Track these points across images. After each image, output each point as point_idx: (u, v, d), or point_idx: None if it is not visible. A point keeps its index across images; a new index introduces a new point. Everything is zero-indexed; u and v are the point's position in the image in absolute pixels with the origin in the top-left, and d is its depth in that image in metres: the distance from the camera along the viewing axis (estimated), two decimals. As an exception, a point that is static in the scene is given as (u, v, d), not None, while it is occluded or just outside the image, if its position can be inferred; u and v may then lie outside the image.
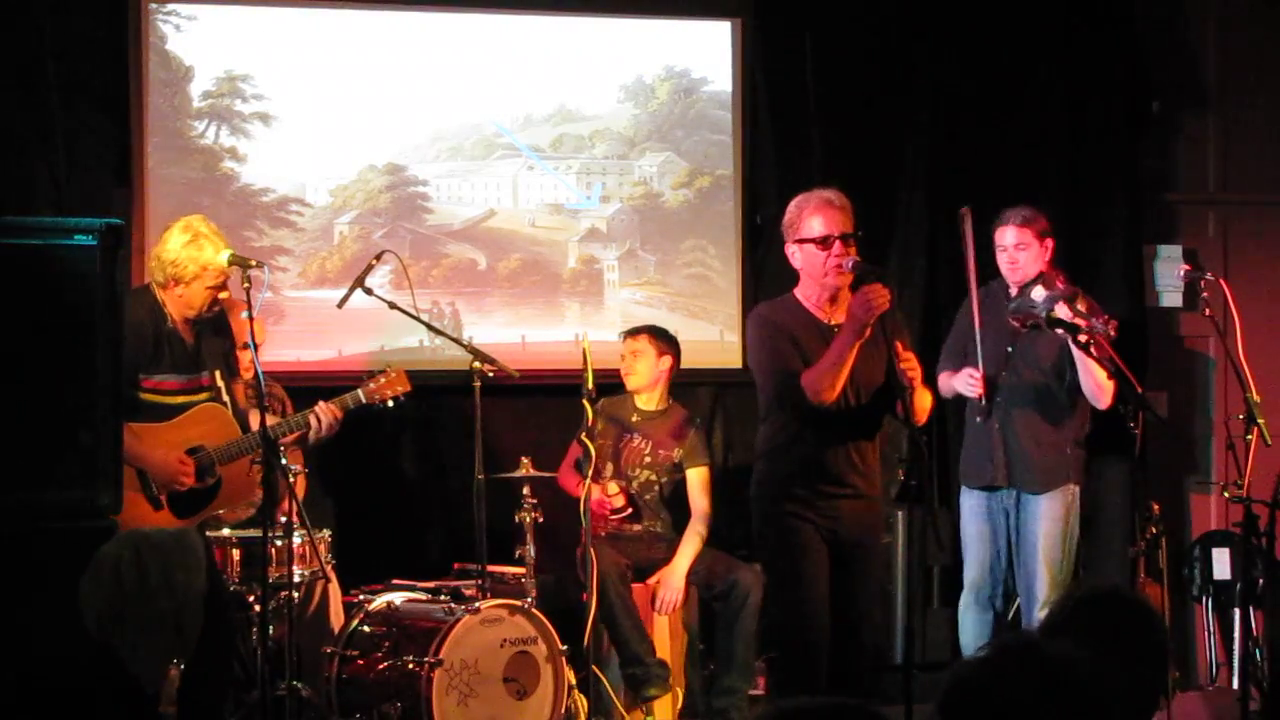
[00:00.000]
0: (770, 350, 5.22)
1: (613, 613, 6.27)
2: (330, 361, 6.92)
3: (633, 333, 6.72)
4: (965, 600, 6.14)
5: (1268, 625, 6.80)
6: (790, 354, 5.16)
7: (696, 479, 6.70)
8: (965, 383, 5.99)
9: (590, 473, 6.15)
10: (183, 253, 5.28)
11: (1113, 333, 5.64)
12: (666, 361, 6.69)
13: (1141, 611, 3.11)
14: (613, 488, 6.55)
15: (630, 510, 6.63)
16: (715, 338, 7.41)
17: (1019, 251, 6.00)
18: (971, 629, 6.08)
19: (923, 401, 5.11)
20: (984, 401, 5.97)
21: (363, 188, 7.11)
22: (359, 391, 5.79)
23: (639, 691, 6.31)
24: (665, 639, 6.49)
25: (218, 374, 5.45)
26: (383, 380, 5.81)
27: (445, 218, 7.23)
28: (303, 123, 7.02)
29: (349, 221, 7.10)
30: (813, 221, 5.15)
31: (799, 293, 5.29)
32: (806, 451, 5.16)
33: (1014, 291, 5.97)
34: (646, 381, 6.68)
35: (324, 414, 5.68)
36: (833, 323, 5.22)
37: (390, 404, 5.85)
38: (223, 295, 5.37)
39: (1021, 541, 5.99)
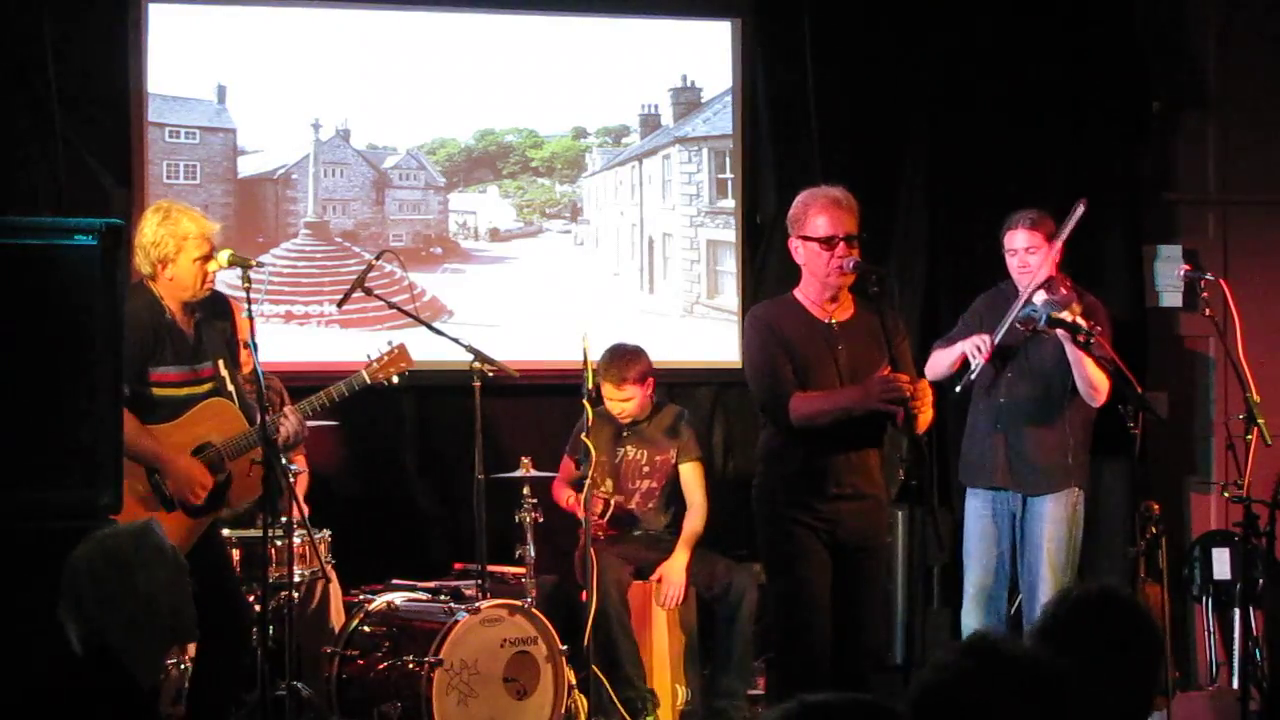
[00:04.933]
0: (764, 361, 5.20)
1: (610, 634, 6.25)
2: (330, 362, 6.90)
3: (618, 382, 6.53)
4: (968, 608, 6.07)
5: (1268, 625, 6.80)
6: (782, 367, 5.14)
7: (691, 474, 6.70)
8: (973, 344, 5.79)
9: (590, 471, 6.15)
10: (159, 230, 5.23)
11: (1094, 340, 5.63)
12: (649, 385, 6.66)
13: (1135, 612, 3.12)
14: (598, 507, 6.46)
15: (609, 516, 6.57)
16: (716, 337, 7.40)
17: (1029, 255, 5.97)
18: (974, 628, 6.04)
19: (925, 415, 5.04)
20: (973, 370, 5.80)
21: (363, 188, 7.12)
22: (363, 373, 5.73)
23: (629, 709, 6.29)
24: (665, 639, 6.48)
25: (221, 363, 5.40)
26: (385, 359, 5.76)
27: (446, 219, 7.23)
28: (303, 123, 7.03)
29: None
30: (818, 220, 5.14)
31: (799, 292, 5.28)
32: (805, 455, 5.14)
33: (1024, 296, 5.91)
34: (641, 412, 6.67)
35: (289, 418, 5.59)
36: (832, 320, 5.22)
37: (395, 381, 5.79)
38: (212, 267, 5.30)
39: (1026, 543, 5.97)
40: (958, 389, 5.85)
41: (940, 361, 5.96)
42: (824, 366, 5.17)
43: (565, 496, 6.54)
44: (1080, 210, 5.89)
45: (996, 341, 5.80)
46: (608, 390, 6.55)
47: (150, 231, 5.26)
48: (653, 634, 6.48)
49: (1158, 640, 3.14)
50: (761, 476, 5.28)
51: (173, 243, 5.22)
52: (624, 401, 6.57)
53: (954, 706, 2.43)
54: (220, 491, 5.34)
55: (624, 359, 6.59)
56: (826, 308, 5.22)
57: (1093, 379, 5.81)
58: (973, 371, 5.82)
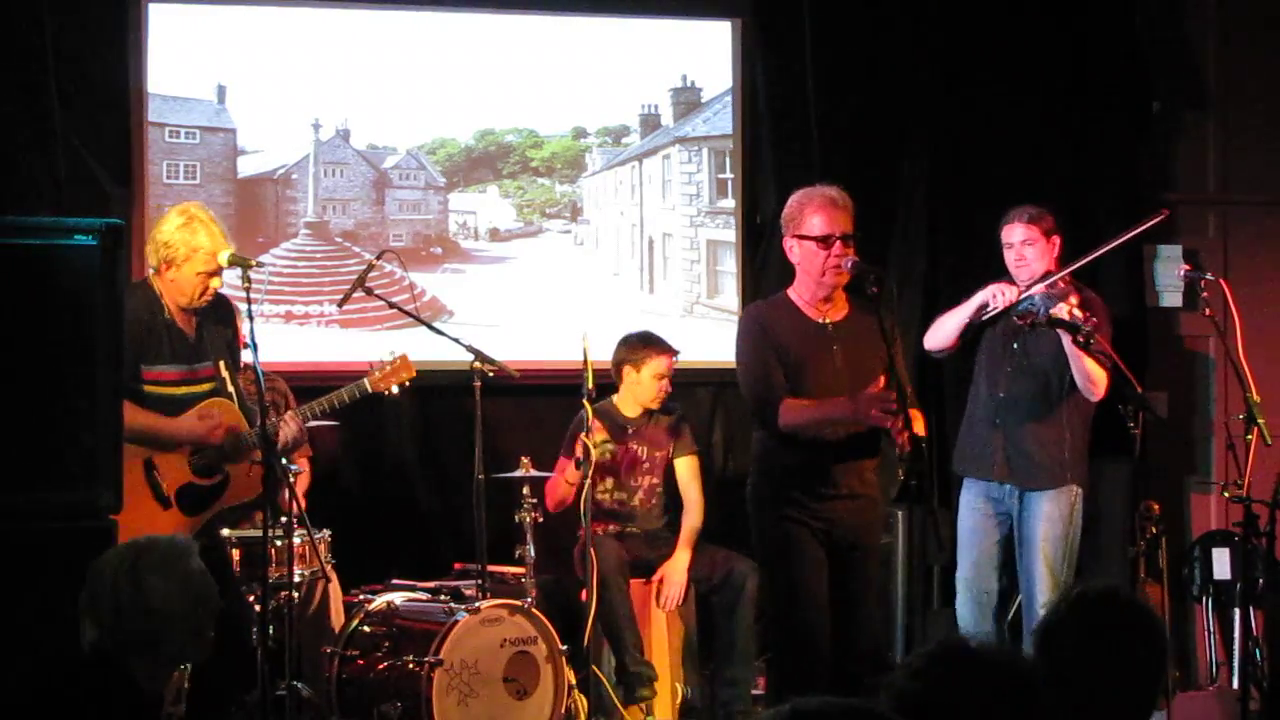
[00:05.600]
0: (756, 365, 5.21)
1: (610, 605, 6.26)
2: (330, 362, 6.91)
3: (671, 353, 6.63)
4: (960, 597, 6.08)
5: (1268, 625, 6.80)
6: (774, 372, 5.14)
7: (686, 468, 6.72)
8: (997, 288, 5.82)
9: (590, 471, 6.14)
10: (175, 235, 5.25)
11: (1094, 336, 5.64)
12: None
13: (1139, 612, 3.12)
14: (571, 473, 6.44)
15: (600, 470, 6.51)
16: (716, 337, 7.40)
17: (1026, 248, 5.98)
18: (968, 621, 6.05)
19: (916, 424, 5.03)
20: (991, 310, 5.81)
21: (363, 188, 7.13)
22: (365, 382, 5.75)
23: (629, 691, 6.31)
24: (664, 636, 6.49)
25: (221, 364, 5.40)
26: (387, 369, 5.77)
27: (446, 219, 7.24)
28: (303, 123, 7.03)
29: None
30: (814, 219, 5.15)
31: (792, 291, 5.28)
32: (799, 455, 5.14)
33: (1022, 290, 5.92)
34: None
35: (289, 424, 5.59)
36: (825, 320, 5.22)
37: (395, 391, 5.81)
38: (215, 284, 5.31)
39: (1022, 543, 5.97)
40: (968, 321, 5.88)
41: (947, 322, 5.96)
42: (820, 366, 5.17)
43: (555, 501, 6.49)
44: (1158, 219, 5.94)
45: (1004, 304, 5.81)
46: (661, 366, 6.59)
47: (167, 230, 5.28)
48: (652, 632, 6.48)
49: (1162, 639, 3.14)
50: (755, 476, 5.29)
51: (183, 250, 5.23)
52: (669, 378, 6.61)
53: (931, 711, 2.44)
54: (215, 491, 5.35)
55: (656, 336, 6.66)
56: (820, 308, 5.23)
57: (1090, 373, 5.81)
58: (990, 311, 5.84)
